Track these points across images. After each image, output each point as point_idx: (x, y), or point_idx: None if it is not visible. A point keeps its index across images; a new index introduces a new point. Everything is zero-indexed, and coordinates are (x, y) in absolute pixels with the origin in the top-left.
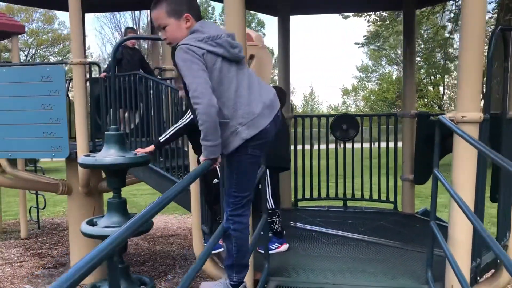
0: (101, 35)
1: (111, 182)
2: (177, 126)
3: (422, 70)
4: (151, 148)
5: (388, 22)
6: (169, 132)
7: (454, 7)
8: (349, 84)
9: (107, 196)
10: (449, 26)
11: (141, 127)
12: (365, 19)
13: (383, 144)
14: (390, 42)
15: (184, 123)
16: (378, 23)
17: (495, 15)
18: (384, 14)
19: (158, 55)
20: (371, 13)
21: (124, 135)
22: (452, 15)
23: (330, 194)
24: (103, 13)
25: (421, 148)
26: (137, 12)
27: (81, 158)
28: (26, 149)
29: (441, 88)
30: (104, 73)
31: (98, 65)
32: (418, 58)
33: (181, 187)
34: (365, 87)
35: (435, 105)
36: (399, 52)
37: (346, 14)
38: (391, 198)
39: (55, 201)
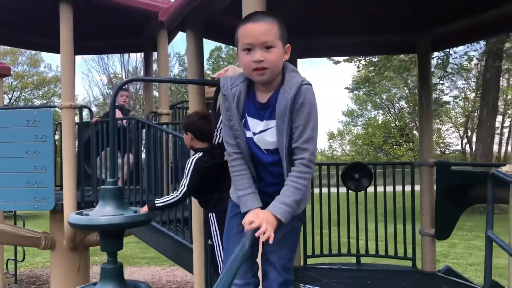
0: (88, 78)
1: (107, 245)
2: (177, 196)
3: (408, 115)
4: (144, 209)
5: (377, 67)
6: (168, 200)
7: (442, 54)
8: (335, 128)
9: (94, 250)
10: (435, 72)
11: (135, 174)
12: (355, 64)
13: (398, 196)
14: (380, 87)
15: (179, 197)
16: (370, 68)
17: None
18: (374, 59)
19: (151, 99)
20: (361, 58)
21: (123, 189)
22: (439, 61)
23: (341, 249)
24: (91, 56)
25: (442, 200)
26: (125, 56)
27: (72, 217)
28: (7, 200)
29: None
30: (96, 118)
31: (90, 109)
32: (403, 103)
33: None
34: (351, 131)
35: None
36: (384, 97)
37: (336, 59)
38: (409, 254)
39: (35, 251)
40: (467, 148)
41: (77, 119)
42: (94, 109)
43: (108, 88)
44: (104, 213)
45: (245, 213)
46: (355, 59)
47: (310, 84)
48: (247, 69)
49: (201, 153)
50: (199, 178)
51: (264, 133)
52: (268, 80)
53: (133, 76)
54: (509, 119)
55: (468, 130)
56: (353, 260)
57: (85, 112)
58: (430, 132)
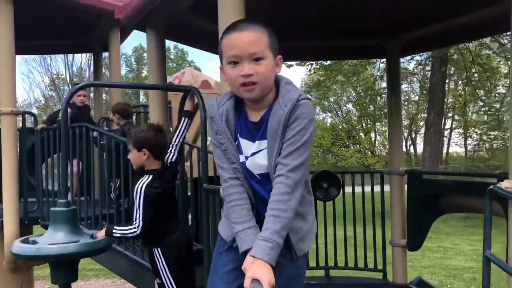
0: (29, 79)
1: (58, 276)
2: (131, 233)
3: (355, 117)
4: (101, 234)
5: (329, 71)
6: (125, 233)
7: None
8: None
9: (39, 269)
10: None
11: (86, 186)
12: (307, 68)
13: (367, 205)
14: (332, 91)
15: (137, 234)
16: (319, 72)
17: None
18: (325, 63)
19: (101, 103)
20: (313, 62)
21: (77, 211)
22: (384, 64)
23: (309, 262)
24: (33, 56)
25: (413, 210)
26: (70, 56)
27: (16, 246)
28: None
29: (372, 135)
30: (42, 125)
31: (34, 115)
32: (350, 105)
33: None
34: None
35: (367, 151)
36: (332, 100)
37: (289, 62)
38: (380, 266)
39: None
40: (411, 149)
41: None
42: (35, 111)
43: (51, 89)
44: (55, 240)
45: (244, 252)
46: (308, 63)
47: (309, 99)
48: (234, 85)
49: (150, 177)
50: (152, 207)
51: (257, 155)
52: (258, 97)
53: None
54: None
55: (412, 133)
56: (321, 273)
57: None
58: (400, 139)
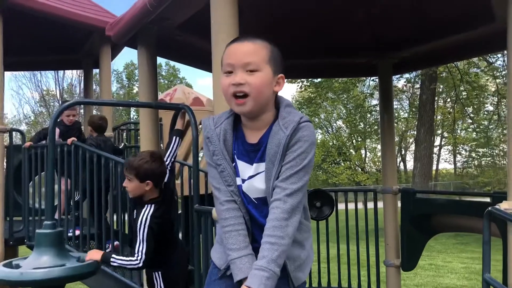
0: (19, 95)
1: None
2: (131, 265)
3: (345, 134)
4: (93, 256)
5: (320, 88)
6: (124, 264)
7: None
8: None
9: None
10: (376, 93)
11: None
12: (297, 85)
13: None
14: (322, 108)
15: (139, 266)
16: (309, 89)
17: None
18: (316, 80)
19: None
20: (304, 79)
21: (63, 233)
22: (374, 82)
23: None
24: (23, 72)
25: (407, 229)
26: (60, 72)
27: None
28: None
29: (362, 151)
30: (30, 143)
31: (21, 132)
32: (340, 122)
33: None
34: None
35: (357, 167)
36: (323, 116)
37: None
38: (373, 286)
39: None
40: (401, 166)
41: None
42: (24, 127)
43: (40, 105)
44: (40, 264)
45: (239, 282)
46: (298, 80)
47: (310, 122)
48: (226, 95)
49: (152, 206)
50: (155, 238)
51: (254, 178)
52: (250, 111)
53: (79, 98)
54: (440, 139)
55: (402, 149)
56: None
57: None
58: (393, 157)
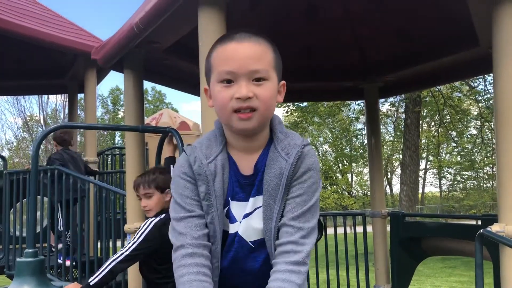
0: (1, 120)
1: None
2: (115, 260)
3: (331, 158)
4: (74, 287)
5: (306, 112)
6: (104, 270)
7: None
8: None
9: None
10: (362, 118)
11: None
12: (284, 109)
13: (350, 247)
14: (309, 132)
15: (125, 255)
16: (295, 114)
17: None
18: (302, 104)
19: (76, 145)
20: (290, 104)
21: (44, 261)
22: (359, 106)
23: None
24: (5, 97)
25: (397, 253)
26: (44, 97)
27: None
28: None
29: (349, 175)
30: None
31: (3, 158)
32: (326, 146)
33: None
34: None
35: (344, 191)
36: (309, 140)
37: None
38: None
39: None
40: (387, 190)
41: None
42: (6, 153)
43: (23, 131)
44: None
45: None
46: (285, 104)
47: (310, 145)
48: (224, 111)
49: (163, 215)
50: (153, 247)
51: (251, 216)
52: (255, 129)
53: (63, 122)
54: (425, 162)
55: (388, 173)
56: None
57: None
58: (381, 181)
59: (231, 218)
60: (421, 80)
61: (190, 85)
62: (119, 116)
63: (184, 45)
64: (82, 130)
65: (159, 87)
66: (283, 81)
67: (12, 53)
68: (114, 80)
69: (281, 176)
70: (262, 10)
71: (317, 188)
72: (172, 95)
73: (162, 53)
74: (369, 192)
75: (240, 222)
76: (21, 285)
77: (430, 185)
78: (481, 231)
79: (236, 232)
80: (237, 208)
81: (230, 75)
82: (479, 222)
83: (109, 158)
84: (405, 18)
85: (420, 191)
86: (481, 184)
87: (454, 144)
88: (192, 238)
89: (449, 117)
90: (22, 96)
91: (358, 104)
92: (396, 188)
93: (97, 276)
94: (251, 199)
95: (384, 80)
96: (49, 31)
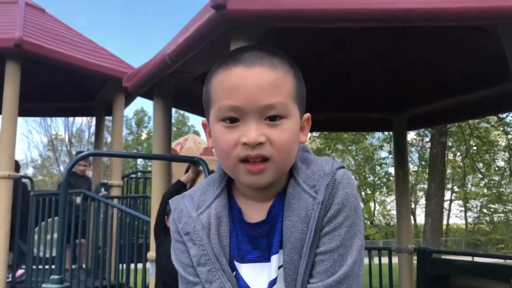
0: (28, 139)
1: None
2: None
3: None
4: None
5: (330, 139)
6: None
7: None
8: None
9: None
10: (386, 146)
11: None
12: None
13: (375, 284)
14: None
15: None
16: (317, 140)
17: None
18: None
19: (100, 168)
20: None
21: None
22: (384, 134)
23: None
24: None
25: None
26: (70, 118)
27: None
28: None
29: (371, 204)
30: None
31: (30, 179)
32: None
33: None
34: None
35: (366, 220)
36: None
37: None
38: None
39: None
40: (411, 220)
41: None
42: (31, 171)
43: (48, 149)
44: None
45: None
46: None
47: (345, 167)
48: (227, 159)
49: None
50: None
51: (279, 281)
52: (269, 182)
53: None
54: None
55: (412, 203)
56: None
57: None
58: (408, 215)
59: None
60: (451, 113)
61: None
62: (142, 137)
63: None
64: None
65: (182, 110)
66: (308, 114)
67: (42, 76)
68: (139, 101)
69: (308, 220)
70: (292, 43)
71: (355, 234)
72: (195, 118)
73: (192, 81)
74: (391, 222)
75: None
76: None
77: (455, 217)
78: None
79: None
80: (252, 273)
81: (235, 112)
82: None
83: (133, 181)
84: (435, 52)
85: (444, 222)
86: (510, 217)
87: (481, 176)
88: None
89: (475, 148)
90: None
91: (383, 132)
92: (420, 218)
93: None
94: (273, 257)
95: (413, 112)
96: (80, 56)
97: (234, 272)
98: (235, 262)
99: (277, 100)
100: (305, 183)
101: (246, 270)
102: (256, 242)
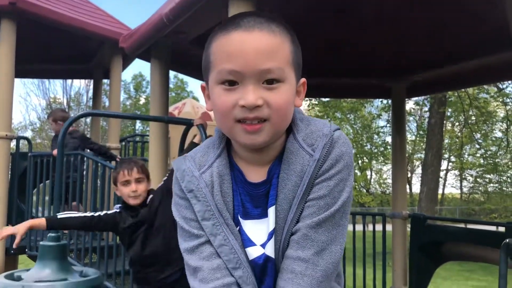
0: (26, 102)
1: None
2: (86, 216)
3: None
4: (40, 222)
5: (328, 107)
6: (73, 216)
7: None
8: None
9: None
10: (384, 115)
11: None
12: (304, 103)
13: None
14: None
15: (94, 217)
16: (316, 108)
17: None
18: (324, 99)
19: (99, 130)
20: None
21: (67, 246)
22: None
23: None
24: (31, 79)
25: (416, 257)
26: (68, 81)
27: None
28: None
29: (368, 172)
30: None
31: (28, 140)
32: None
33: None
34: None
35: (362, 188)
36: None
37: None
38: None
39: None
40: (407, 189)
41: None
42: (29, 133)
43: (47, 113)
44: (42, 277)
45: None
46: (306, 99)
47: (340, 129)
48: (225, 121)
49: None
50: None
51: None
52: (266, 142)
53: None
54: (447, 163)
55: (408, 172)
56: None
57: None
58: (403, 182)
59: (245, 241)
60: (450, 81)
61: None
62: (141, 102)
63: None
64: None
65: (181, 76)
66: (303, 79)
67: (40, 37)
68: (137, 66)
69: (303, 174)
70: (292, 5)
71: (343, 187)
72: (194, 83)
73: (189, 43)
74: (387, 191)
75: (264, 246)
76: (43, 269)
77: (451, 187)
78: (507, 241)
79: (263, 256)
80: (253, 228)
81: (233, 75)
82: (505, 230)
83: (130, 145)
84: (436, 20)
85: (440, 191)
86: (504, 188)
87: (478, 146)
88: (209, 271)
89: (474, 118)
90: (47, 79)
91: (381, 101)
92: (416, 187)
93: (65, 214)
94: (270, 209)
95: (412, 79)
96: (77, 17)
97: (238, 227)
98: (239, 218)
99: (274, 65)
100: (304, 141)
101: (249, 225)
102: (258, 200)
